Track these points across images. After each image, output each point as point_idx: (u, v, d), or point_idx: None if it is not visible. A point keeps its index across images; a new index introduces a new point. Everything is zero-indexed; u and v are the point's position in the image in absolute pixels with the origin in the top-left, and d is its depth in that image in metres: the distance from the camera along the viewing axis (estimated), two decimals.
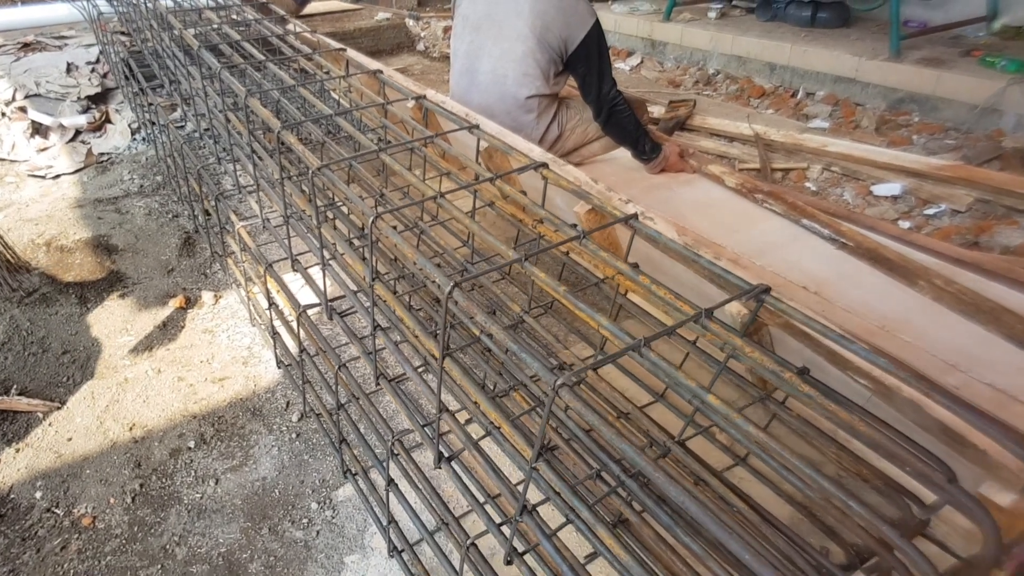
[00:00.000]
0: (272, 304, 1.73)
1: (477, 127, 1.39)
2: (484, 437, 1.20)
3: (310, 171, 1.21)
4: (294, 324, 1.56)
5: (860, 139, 2.79)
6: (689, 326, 0.93)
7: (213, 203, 1.98)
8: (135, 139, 3.50)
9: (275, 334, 1.81)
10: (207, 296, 2.25)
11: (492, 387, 1.54)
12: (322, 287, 1.41)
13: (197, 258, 2.47)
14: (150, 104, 2.67)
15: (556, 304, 1.55)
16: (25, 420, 1.78)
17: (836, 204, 2.46)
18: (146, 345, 2.05)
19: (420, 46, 5.19)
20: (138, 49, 3.61)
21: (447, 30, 5.04)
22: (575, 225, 1.28)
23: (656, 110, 3.29)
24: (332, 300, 1.44)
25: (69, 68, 3.95)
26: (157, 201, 2.83)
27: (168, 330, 2.12)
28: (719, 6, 4.32)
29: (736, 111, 3.45)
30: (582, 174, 1.66)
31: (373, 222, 1.03)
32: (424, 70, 4.69)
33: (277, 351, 1.89)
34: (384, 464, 1.26)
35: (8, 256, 2.07)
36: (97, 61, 4.04)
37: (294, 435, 1.73)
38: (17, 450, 1.70)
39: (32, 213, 2.71)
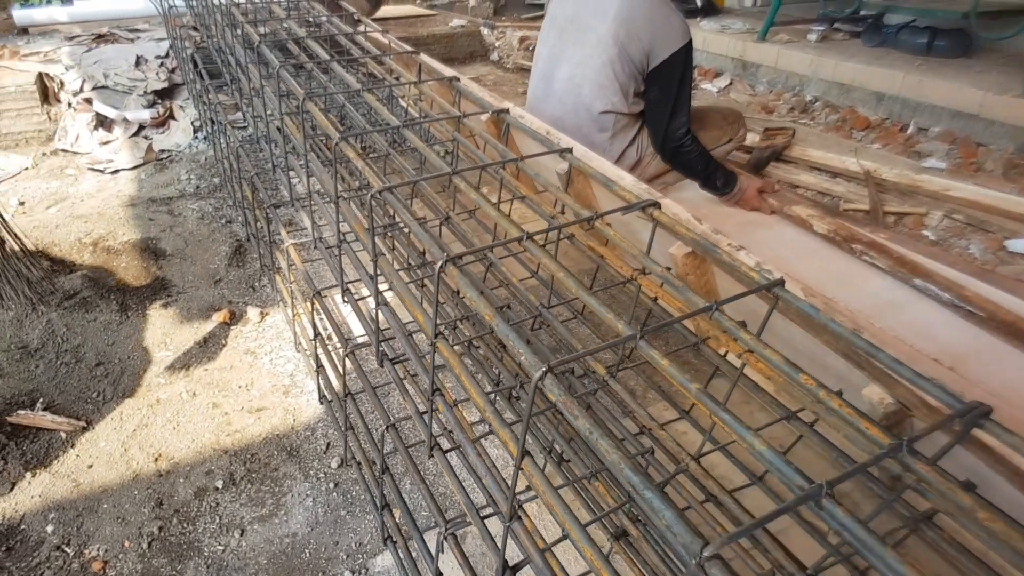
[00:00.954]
0: (318, 334, 1.54)
1: (569, 151, 1.17)
2: (560, 541, 0.98)
3: (369, 194, 1.01)
4: (340, 359, 1.36)
5: (985, 184, 2.47)
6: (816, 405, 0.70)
7: (265, 213, 1.82)
8: (196, 137, 3.41)
9: (319, 366, 1.62)
10: (253, 312, 2.08)
11: (559, 452, 1.31)
12: (374, 326, 1.20)
13: (247, 269, 2.32)
14: (212, 102, 2.55)
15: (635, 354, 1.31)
16: (47, 440, 1.63)
17: (961, 258, 2.16)
18: (184, 363, 1.89)
19: (494, 56, 5.02)
20: (206, 45, 3.53)
21: (523, 40, 4.86)
22: (670, 268, 1.04)
23: (749, 137, 3.02)
24: (385, 339, 1.24)
25: (138, 61, 3.90)
26: (212, 204, 2.69)
27: (208, 347, 1.95)
28: (820, 28, 4.01)
29: (837, 143, 3.15)
30: (682, 211, 1.43)
31: (442, 267, 0.82)
32: (497, 81, 4.52)
33: (321, 384, 1.70)
34: (432, 552, 1.04)
35: (24, 265, 1.88)
36: (166, 56, 3.99)
37: (331, 484, 1.53)
38: (34, 474, 1.55)
39: (84, 209, 2.61)
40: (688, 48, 2.07)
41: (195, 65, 3.11)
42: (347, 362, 1.32)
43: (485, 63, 4.96)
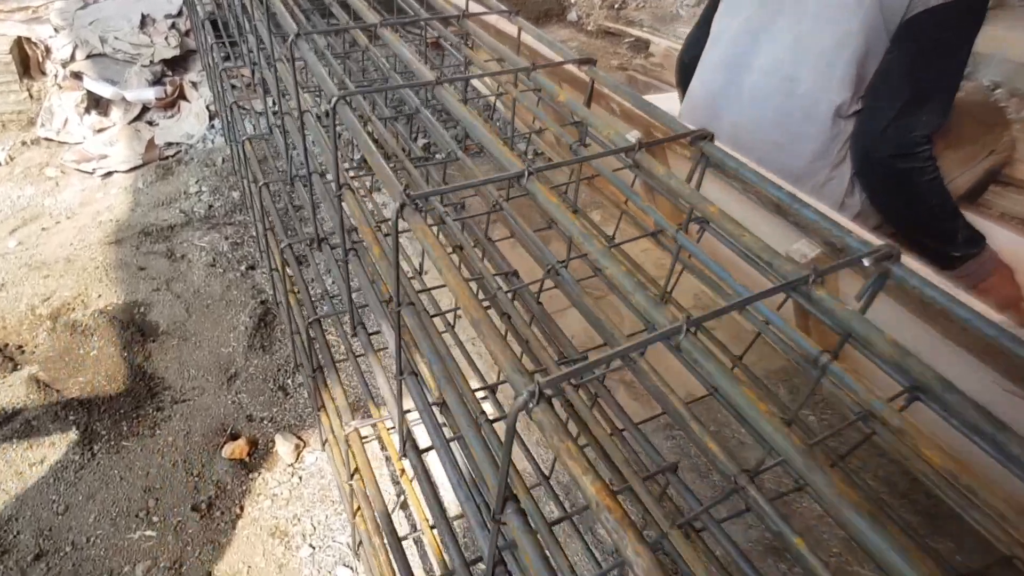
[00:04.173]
0: None
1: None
2: None
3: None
4: None
5: None
6: None
7: (301, 311, 1.07)
8: (212, 127, 2.64)
9: None
10: (283, 445, 1.35)
11: None
12: None
13: (275, 354, 1.58)
14: (226, 81, 1.76)
15: None
16: None
17: None
18: (174, 557, 1.17)
19: (572, 15, 4.14)
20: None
21: None
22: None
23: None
24: None
25: (144, 21, 3.12)
26: (228, 237, 1.94)
27: (212, 520, 1.23)
28: None
29: None
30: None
31: None
32: (580, 49, 3.66)
33: None
34: None
35: None
36: (179, 14, 3.20)
37: None
38: None
39: (51, 249, 1.87)
40: (980, 1, 1.20)
41: (205, 29, 2.33)
42: None
43: (563, 24, 4.08)
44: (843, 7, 1.24)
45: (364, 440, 1.12)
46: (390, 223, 0.52)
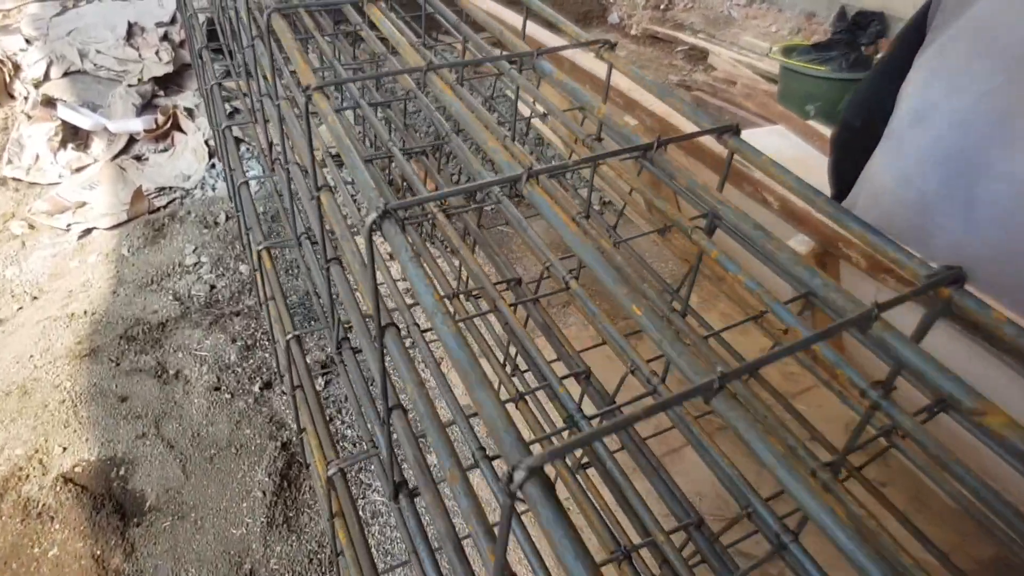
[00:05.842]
0: None
1: None
2: None
3: None
4: None
5: None
6: None
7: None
8: (213, 166, 2.19)
9: None
10: None
11: None
12: None
13: (304, 533, 1.15)
14: (231, 140, 1.32)
15: None
16: None
17: None
18: None
19: (613, 17, 3.67)
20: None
21: None
22: None
23: None
24: None
25: (131, 31, 2.66)
26: (235, 336, 1.51)
27: None
28: None
29: None
30: None
31: None
32: (629, 59, 3.20)
33: None
34: None
35: None
36: (172, 21, 2.73)
37: None
38: None
39: (3, 366, 1.43)
40: None
41: (204, 58, 1.89)
42: None
43: (604, 27, 3.60)
44: None
45: None
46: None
